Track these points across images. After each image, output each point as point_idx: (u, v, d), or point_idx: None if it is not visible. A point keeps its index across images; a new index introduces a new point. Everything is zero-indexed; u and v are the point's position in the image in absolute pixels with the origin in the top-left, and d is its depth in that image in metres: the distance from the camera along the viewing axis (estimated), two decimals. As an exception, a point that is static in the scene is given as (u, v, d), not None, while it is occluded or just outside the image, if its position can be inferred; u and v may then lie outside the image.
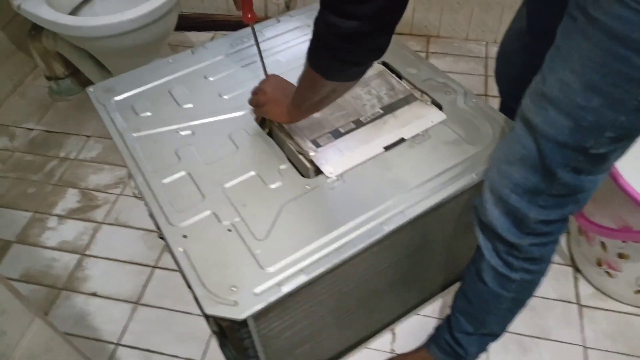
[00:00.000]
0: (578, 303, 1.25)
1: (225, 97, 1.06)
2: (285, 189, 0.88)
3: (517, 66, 0.99)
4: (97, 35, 1.35)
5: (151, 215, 0.88)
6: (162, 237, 0.88)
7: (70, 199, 1.50)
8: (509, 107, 1.10)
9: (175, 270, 1.30)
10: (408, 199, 0.85)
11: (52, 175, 1.57)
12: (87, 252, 1.36)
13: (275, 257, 0.78)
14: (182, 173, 0.92)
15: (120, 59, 1.52)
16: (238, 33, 1.21)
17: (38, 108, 1.79)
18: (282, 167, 0.92)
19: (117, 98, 1.07)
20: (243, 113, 1.02)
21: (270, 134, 1.00)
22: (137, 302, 1.26)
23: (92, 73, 1.64)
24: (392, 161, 0.92)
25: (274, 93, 0.91)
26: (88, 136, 1.69)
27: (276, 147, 0.96)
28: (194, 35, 2.05)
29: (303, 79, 0.77)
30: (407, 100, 1.02)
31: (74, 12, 1.56)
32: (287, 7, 1.98)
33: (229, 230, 0.83)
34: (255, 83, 1.06)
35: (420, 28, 1.98)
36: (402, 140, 0.95)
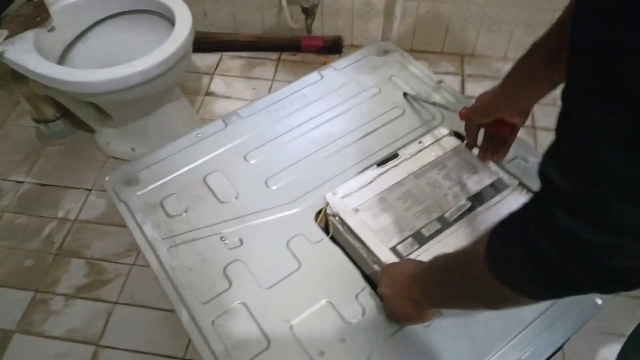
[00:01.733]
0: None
1: (273, 187, 0.87)
2: (369, 326, 0.71)
3: None
4: (102, 91, 1.13)
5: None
6: None
7: (76, 273, 1.30)
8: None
9: None
10: (526, 339, 0.69)
11: (51, 242, 1.36)
12: (103, 343, 1.18)
13: None
14: (237, 304, 0.74)
15: (126, 108, 1.31)
16: (277, 95, 1.01)
17: (26, 155, 1.57)
18: (359, 291, 0.74)
19: (141, 192, 0.88)
20: (297, 210, 0.84)
21: (333, 238, 0.83)
22: (167, 408, 1.09)
23: (90, 119, 1.43)
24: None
25: (395, 287, 0.67)
26: (89, 190, 1.48)
27: (347, 261, 0.78)
28: (198, 58, 1.83)
29: (467, 281, 0.52)
30: (497, 188, 0.85)
31: (66, 52, 1.33)
32: (308, 31, 1.77)
33: (309, 393, 0.66)
34: (307, 166, 0.89)
35: (454, 46, 1.79)
36: None
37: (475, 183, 0.85)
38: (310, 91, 1.02)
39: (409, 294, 0.63)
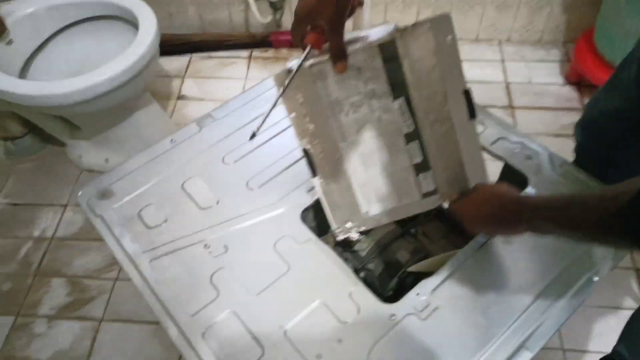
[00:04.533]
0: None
1: (255, 188, 0.85)
2: (365, 324, 0.69)
3: (611, 143, 0.84)
4: (67, 103, 1.08)
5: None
6: None
7: (57, 293, 1.25)
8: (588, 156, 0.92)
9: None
10: (525, 324, 0.67)
11: (29, 263, 1.31)
12: (91, 363, 1.14)
13: None
14: (227, 313, 0.71)
15: (96, 118, 1.26)
16: (251, 93, 0.98)
17: (-4, 175, 1.51)
18: (352, 289, 0.72)
19: (117, 205, 0.84)
20: (282, 210, 0.81)
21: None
22: None
23: (59, 132, 1.37)
24: (488, 258, 0.73)
25: (482, 207, 0.69)
26: (64, 206, 1.42)
27: (337, 259, 0.76)
28: (167, 62, 1.77)
29: (592, 229, 0.53)
30: (387, 49, 0.65)
31: (27, 65, 1.28)
32: (278, 26, 1.73)
33: (309, 399, 0.64)
34: (289, 163, 0.86)
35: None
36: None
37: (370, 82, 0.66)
38: (285, 86, 0.99)
39: (504, 215, 0.64)
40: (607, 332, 1.11)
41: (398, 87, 0.66)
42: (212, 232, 0.80)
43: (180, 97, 1.69)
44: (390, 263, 0.86)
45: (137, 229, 0.81)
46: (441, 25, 0.63)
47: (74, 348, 1.16)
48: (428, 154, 0.71)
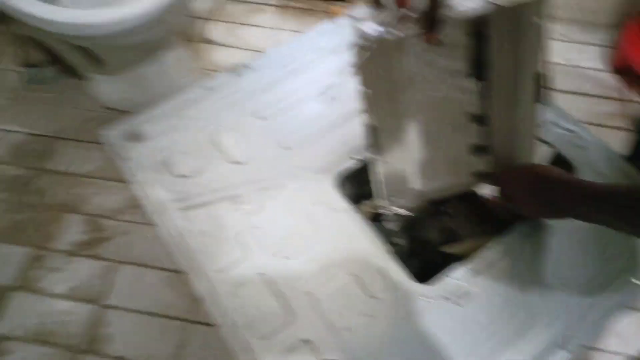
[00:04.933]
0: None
1: (291, 148, 0.81)
2: (395, 302, 0.67)
3: None
4: (95, 34, 1.03)
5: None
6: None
7: (74, 229, 1.24)
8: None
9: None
10: (567, 319, 0.65)
11: (45, 196, 1.30)
12: (106, 302, 1.14)
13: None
14: (253, 274, 0.69)
15: (120, 54, 1.21)
16: (290, 46, 0.92)
17: (14, 102, 1.47)
18: (385, 265, 0.70)
19: (144, 149, 0.81)
20: (318, 175, 0.78)
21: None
22: (173, 370, 1.06)
23: (81, 64, 1.32)
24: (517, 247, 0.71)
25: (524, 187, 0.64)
26: (81, 141, 1.39)
27: (370, 231, 0.73)
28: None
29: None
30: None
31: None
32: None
33: (335, 371, 0.62)
34: (328, 125, 0.82)
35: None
36: None
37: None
38: (328, 42, 0.93)
39: (554, 198, 0.60)
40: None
41: (476, 65, 0.61)
42: (244, 189, 0.77)
43: (206, 40, 1.63)
44: (418, 240, 0.84)
45: (165, 176, 0.78)
46: (533, 6, 0.58)
47: (90, 286, 1.17)
48: (492, 137, 0.67)
